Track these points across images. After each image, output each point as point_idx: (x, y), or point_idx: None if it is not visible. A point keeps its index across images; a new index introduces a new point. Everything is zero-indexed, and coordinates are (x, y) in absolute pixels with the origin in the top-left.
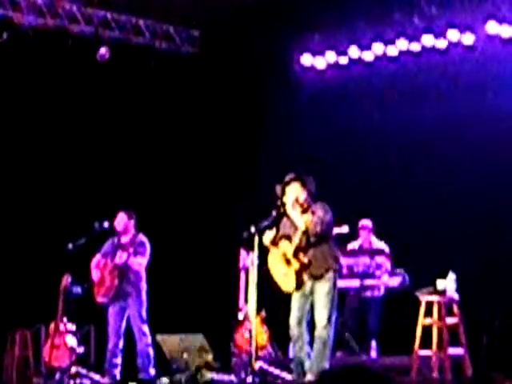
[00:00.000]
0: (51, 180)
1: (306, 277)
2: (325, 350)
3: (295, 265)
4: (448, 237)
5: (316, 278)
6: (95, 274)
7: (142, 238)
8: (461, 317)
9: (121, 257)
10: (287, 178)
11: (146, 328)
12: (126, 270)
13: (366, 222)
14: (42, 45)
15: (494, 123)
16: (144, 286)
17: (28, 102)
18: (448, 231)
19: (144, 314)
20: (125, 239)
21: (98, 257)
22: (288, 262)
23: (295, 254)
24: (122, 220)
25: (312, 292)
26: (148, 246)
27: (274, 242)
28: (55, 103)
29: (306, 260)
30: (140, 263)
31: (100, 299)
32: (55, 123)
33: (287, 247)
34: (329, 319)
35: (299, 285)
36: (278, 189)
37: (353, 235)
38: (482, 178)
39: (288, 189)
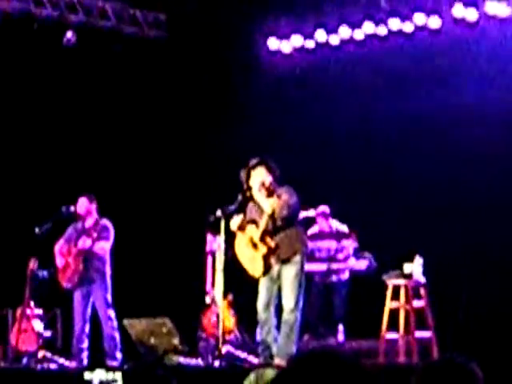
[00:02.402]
0: (15, 165)
1: (273, 261)
2: (292, 333)
3: (262, 249)
4: (414, 220)
5: (283, 261)
6: (59, 260)
7: (105, 222)
8: (427, 300)
9: (85, 242)
10: (253, 162)
11: (111, 312)
12: (91, 256)
13: (324, 208)
14: (7, 29)
15: (459, 107)
16: (108, 270)
17: None
18: (414, 214)
19: (109, 298)
20: (88, 224)
21: (60, 242)
22: (255, 246)
23: (262, 238)
24: (83, 204)
25: (279, 276)
26: (112, 230)
27: (241, 227)
28: (20, 88)
29: (272, 244)
30: (104, 248)
31: (65, 285)
32: (19, 108)
33: (254, 231)
34: (296, 303)
35: (267, 269)
36: (243, 173)
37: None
38: (447, 161)
39: (253, 173)
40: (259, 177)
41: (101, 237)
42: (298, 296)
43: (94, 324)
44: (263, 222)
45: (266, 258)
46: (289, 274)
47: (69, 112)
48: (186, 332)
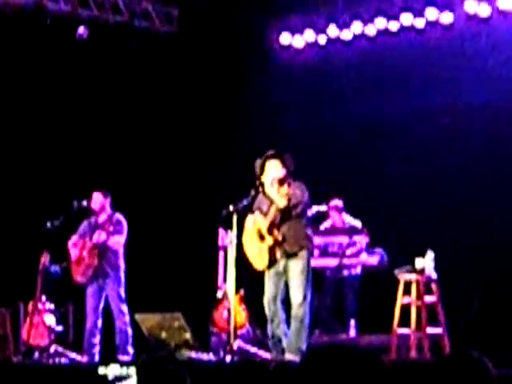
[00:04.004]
0: (29, 159)
1: (279, 254)
2: (302, 328)
3: (269, 241)
4: (426, 215)
5: (289, 255)
6: (73, 254)
7: (118, 216)
8: (439, 295)
9: (100, 236)
10: (267, 155)
11: (124, 307)
12: (105, 250)
13: (337, 202)
14: (20, 23)
15: (470, 103)
16: (122, 264)
17: (4, 82)
18: (426, 210)
19: (122, 293)
20: (102, 218)
21: (74, 237)
22: (262, 238)
23: (269, 230)
24: (97, 199)
25: (285, 270)
26: (125, 224)
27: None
28: (32, 83)
29: (279, 237)
30: (118, 242)
31: (79, 279)
32: (32, 103)
33: (262, 223)
34: (304, 297)
35: (272, 262)
36: (258, 165)
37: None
38: (459, 156)
39: (268, 165)
40: (273, 170)
41: (115, 231)
42: (305, 290)
43: (106, 319)
44: (271, 213)
45: (271, 250)
46: (295, 269)
47: (82, 107)
48: (197, 327)
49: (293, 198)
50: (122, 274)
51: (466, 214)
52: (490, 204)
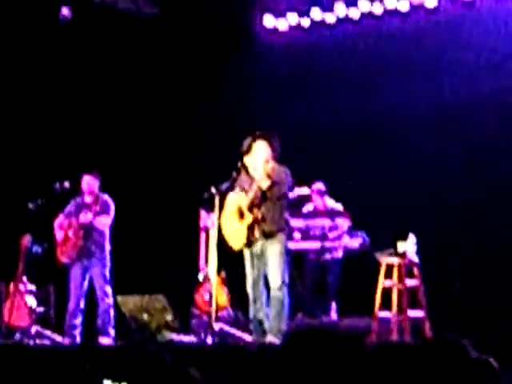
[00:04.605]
0: (11, 140)
1: (257, 233)
2: (282, 310)
3: (248, 218)
4: (408, 198)
5: (267, 236)
6: (59, 234)
7: (105, 197)
8: (421, 279)
9: (86, 216)
10: (255, 135)
11: (108, 288)
12: (91, 230)
13: (319, 186)
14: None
15: (451, 88)
16: (108, 246)
17: None
18: (408, 193)
19: (107, 274)
20: (89, 199)
21: (61, 217)
22: (242, 215)
23: (250, 208)
24: (88, 181)
25: (263, 252)
26: (112, 205)
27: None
28: (15, 64)
29: (259, 215)
30: (104, 223)
31: (64, 259)
32: (15, 84)
33: (243, 200)
34: (283, 279)
35: (250, 241)
36: (246, 144)
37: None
38: (443, 140)
39: (255, 146)
40: (260, 151)
41: (102, 211)
42: (283, 272)
43: (89, 300)
44: (253, 191)
45: (250, 228)
46: (273, 250)
47: (65, 89)
48: (179, 309)
49: (276, 179)
50: (108, 255)
51: (448, 198)
52: (474, 188)
